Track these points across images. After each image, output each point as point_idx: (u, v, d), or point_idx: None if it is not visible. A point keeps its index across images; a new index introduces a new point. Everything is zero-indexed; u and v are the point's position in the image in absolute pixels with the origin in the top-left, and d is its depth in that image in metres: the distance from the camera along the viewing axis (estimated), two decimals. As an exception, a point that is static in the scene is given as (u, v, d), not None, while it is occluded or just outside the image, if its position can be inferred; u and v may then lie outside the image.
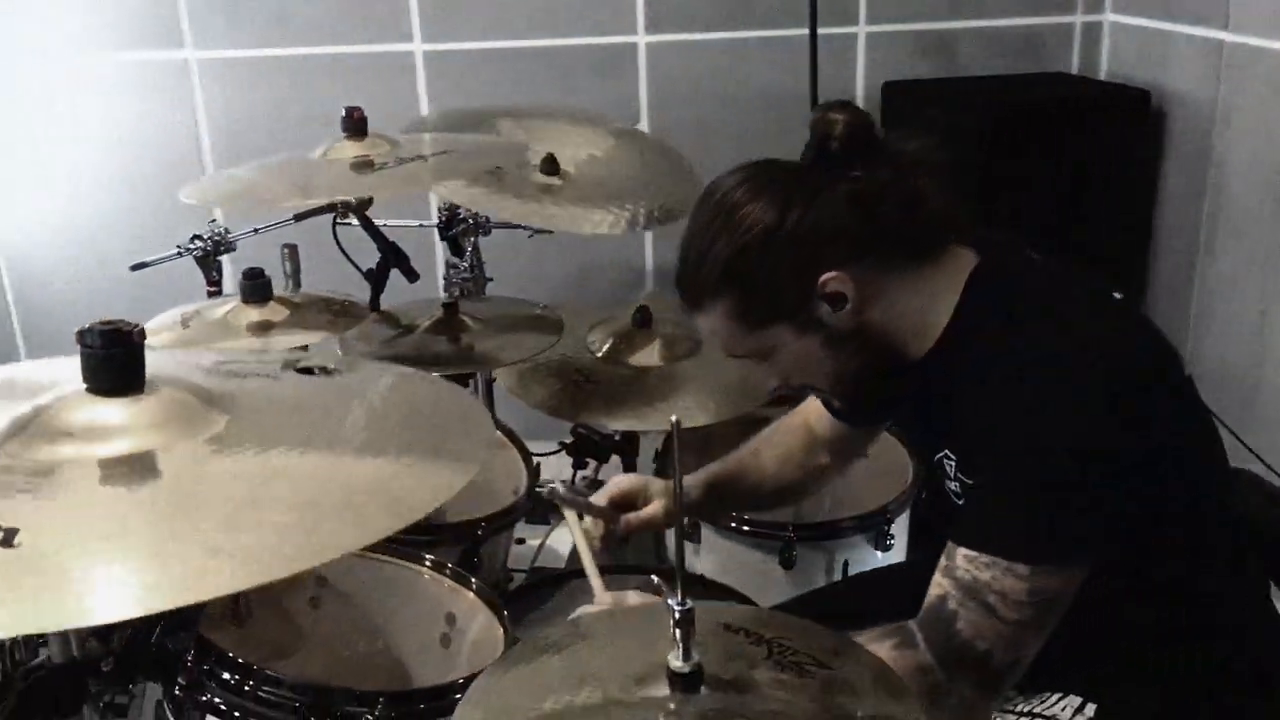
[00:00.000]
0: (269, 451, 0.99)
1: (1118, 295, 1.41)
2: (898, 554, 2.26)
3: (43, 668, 1.15)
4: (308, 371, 1.14)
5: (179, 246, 2.15)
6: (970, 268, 1.37)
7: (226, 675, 1.24)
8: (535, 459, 2.09)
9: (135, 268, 2.20)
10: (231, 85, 3.19)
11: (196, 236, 2.15)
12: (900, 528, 2.26)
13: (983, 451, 1.32)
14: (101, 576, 0.85)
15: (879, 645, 1.30)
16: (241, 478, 0.97)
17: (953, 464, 1.40)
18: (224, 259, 2.17)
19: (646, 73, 3.21)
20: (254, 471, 0.97)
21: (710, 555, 2.23)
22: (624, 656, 1.09)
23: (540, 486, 1.76)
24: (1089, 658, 1.42)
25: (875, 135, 1.35)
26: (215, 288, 2.18)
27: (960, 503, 1.39)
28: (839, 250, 1.33)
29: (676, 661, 1.02)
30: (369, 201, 2.03)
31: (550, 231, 2.54)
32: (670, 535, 2.28)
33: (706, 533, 2.22)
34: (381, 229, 2.43)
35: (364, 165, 1.91)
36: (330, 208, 2.07)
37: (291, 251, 2.04)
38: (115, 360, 0.99)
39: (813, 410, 1.86)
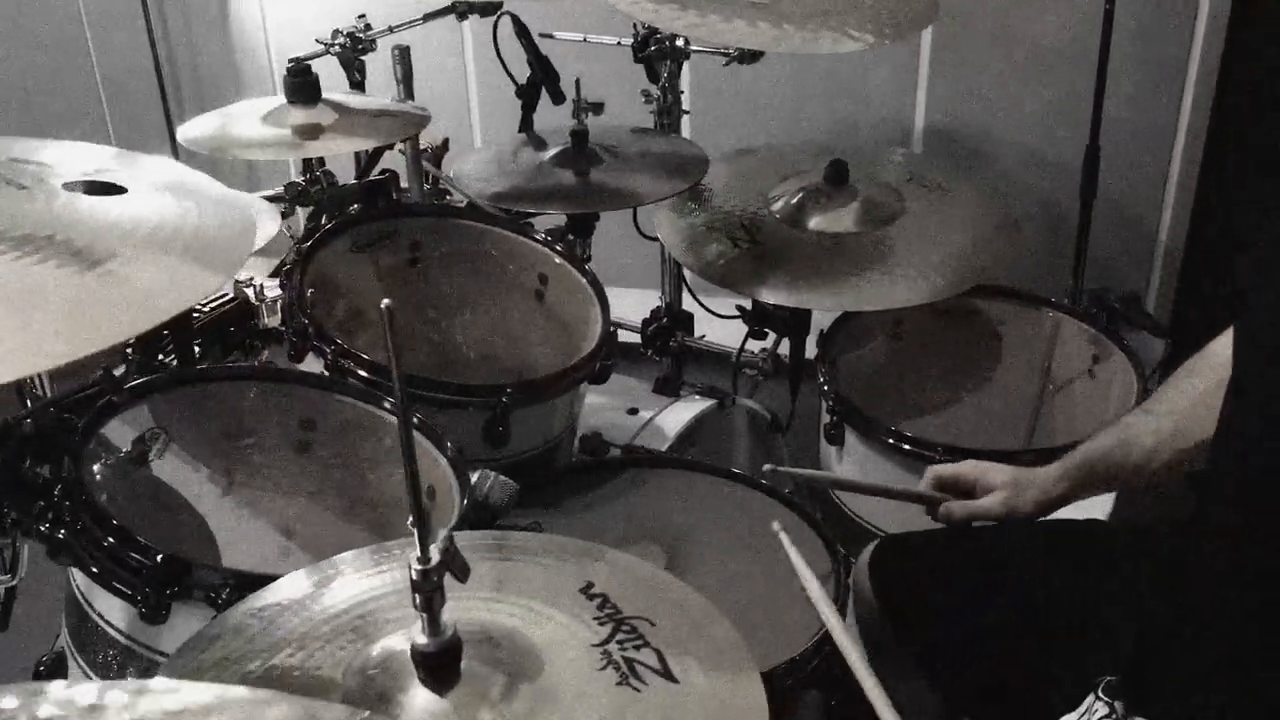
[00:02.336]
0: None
1: None
2: (1093, 507, 1.80)
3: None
4: (95, 190, 0.93)
5: (320, 41, 1.98)
6: None
7: (89, 522, 1.10)
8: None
9: (293, 62, 2.06)
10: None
11: (338, 32, 1.97)
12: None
13: None
14: None
15: None
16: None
17: None
18: (366, 60, 1.99)
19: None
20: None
21: (850, 464, 1.87)
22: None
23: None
24: None
25: None
26: (358, 90, 2.02)
27: None
28: None
29: (419, 637, 0.75)
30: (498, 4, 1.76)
31: (755, 56, 2.17)
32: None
33: (851, 439, 1.87)
34: (554, 40, 2.18)
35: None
36: (455, 7, 1.83)
37: (402, 54, 1.82)
38: None
39: None
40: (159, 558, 1.06)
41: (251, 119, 1.56)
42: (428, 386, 1.45)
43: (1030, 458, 1.74)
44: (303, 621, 0.89)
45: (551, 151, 1.84)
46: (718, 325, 2.32)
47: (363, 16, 2.00)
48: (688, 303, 2.41)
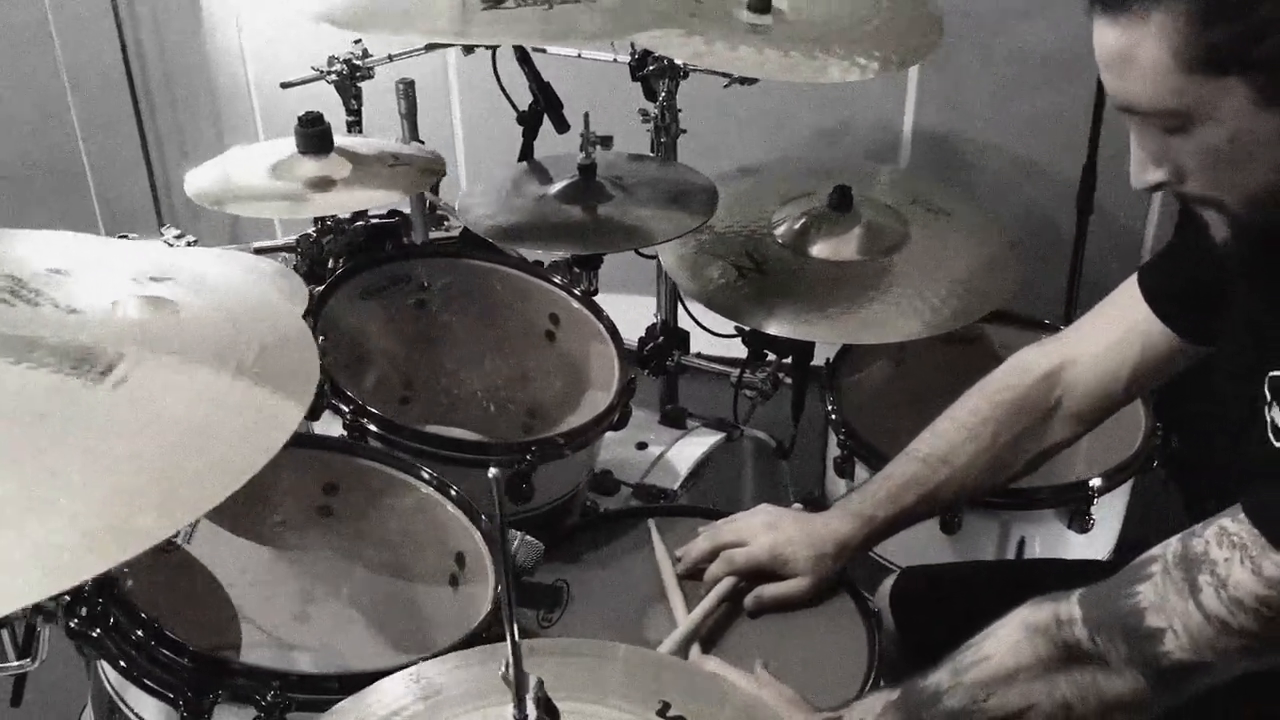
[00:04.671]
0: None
1: None
2: (1101, 544, 1.81)
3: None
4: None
5: (315, 68, 1.93)
6: None
7: (119, 618, 1.07)
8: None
9: (285, 86, 2.01)
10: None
11: (334, 59, 1.92)
12: (1110, 509, 1.80)
13: None
14: None
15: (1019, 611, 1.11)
16: None
17: None
18: (363, 86, 1.94)
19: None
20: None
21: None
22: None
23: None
24: None
25: None
26: (354, 117, 1.96)
27: None
28: None
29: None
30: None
31: (752, 80, 2.13)
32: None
33: (861, 472, 1.86)
34: (547, 55, 2.13)
35: (491, -3, 1.58)
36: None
37: (407, 89, 1.77)
38: None
39: (1073, 355, 1.44)
40: (194, 658, 1.03)
41: (258, 169, 1.51)
42: (450, 446, 1.42)
43: (1042, 496, 1.78)
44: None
45: (557, 185, 1.80)
46: (713, 337, 2.30)
47: (359, 42, 1.95)
48: (683, 318, 2.38)
